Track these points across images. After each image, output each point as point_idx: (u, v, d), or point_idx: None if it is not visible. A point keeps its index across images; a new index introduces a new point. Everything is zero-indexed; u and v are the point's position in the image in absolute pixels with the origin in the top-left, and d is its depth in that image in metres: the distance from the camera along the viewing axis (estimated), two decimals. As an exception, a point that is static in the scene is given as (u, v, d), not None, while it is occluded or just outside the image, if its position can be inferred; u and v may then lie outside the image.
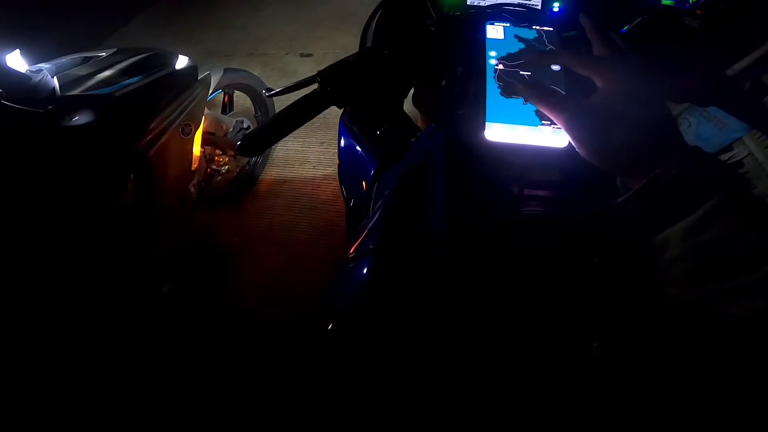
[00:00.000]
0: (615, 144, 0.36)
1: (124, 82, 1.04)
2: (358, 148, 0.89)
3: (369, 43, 0.82)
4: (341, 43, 2.45)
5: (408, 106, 0.92)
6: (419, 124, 1.12)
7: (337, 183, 1.82)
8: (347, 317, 0.56)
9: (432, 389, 0.46)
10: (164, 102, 1.05)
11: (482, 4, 0.72)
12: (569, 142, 0.43)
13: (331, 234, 1.80)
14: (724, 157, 1.66)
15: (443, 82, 0.76)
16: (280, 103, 0.73)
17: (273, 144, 0.66)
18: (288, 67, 2.41)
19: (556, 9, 0.69)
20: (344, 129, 0.93)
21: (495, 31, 0.58)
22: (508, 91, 0.49)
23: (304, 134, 1.99)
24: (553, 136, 0.46)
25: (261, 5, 2.87)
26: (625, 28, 0.67)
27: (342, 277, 0.61)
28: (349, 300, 0.58)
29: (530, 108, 0.47)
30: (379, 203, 0.69)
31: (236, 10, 2.90)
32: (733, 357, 0.32)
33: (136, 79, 1.06)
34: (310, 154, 1.98)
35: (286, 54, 2.49)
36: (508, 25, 0.58)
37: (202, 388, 1.28)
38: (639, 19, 0.67)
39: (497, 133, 0.47)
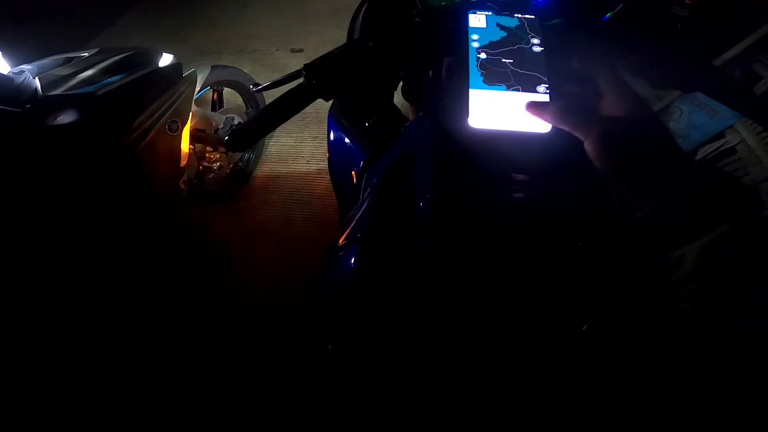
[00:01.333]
0: (635, 166, 0.37)
1: (106, 81, 1.01)
2: (347, 140, 0.90)
3: (356, 36, 0.82)
4: (332, 38, 2.39)
5: (398, 98, 0.90)
6: (410, 115, 1.12)
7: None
8: (335, 306, 0.57)
9: (421, 378, 0.47)
10: (148, 99, 1.02)
11: None
12: (552, 127, 0.45)
13: (327, 227, 1.77)
14: (716, 144, 1.68)
15: (429, 73, 0.75)
16: (271, 99, 0.73)
17: (261, 138, 0.66)
18: (278, 63, 2.37)
19: None
20: (333, 122, 0.93)
21: (477, 19, 0.58)
22: (491, 79, 0.49)
23: (297, 129, 1.96)
24: (536, 122, 0.46)
25: (248, 1, 2.82)
26: (607, 15, 0.67)
27: (331, 265, 0.62)
28: (337, 288, 0.59)
29: (513, 94, 0.48)
30: (367, 192, 0.70)
31: (224, 7, 2.86)
32: (737, 365, 0.32)
33: (118, 77, 1.03)
34: (303, 149, 1.95)
35: (276, 50, 2.45)
36: (490, 13, 0.58)
37: (201, 386, 1.27)
38: (620, 6, 0.67)
39: (481, 120, 0.47)
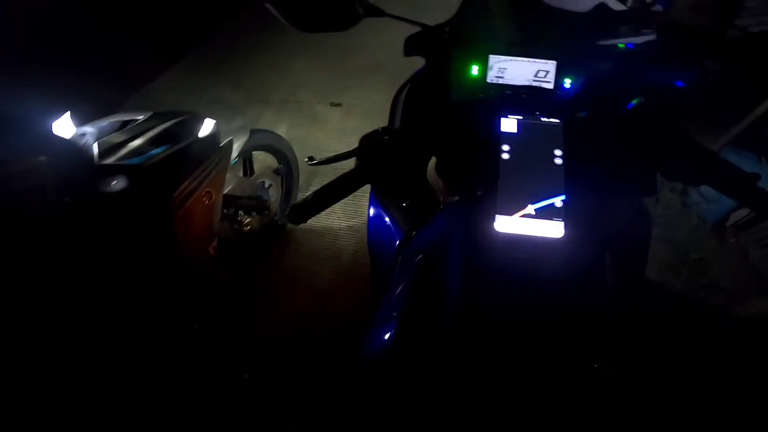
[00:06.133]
0: None
1: (152, 152, 1.06)
2: (386, 218, 0.95)
3: (397, 121, 0.86)
4: (369, 94, 2.46)
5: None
6: (441, 189, 1.13)
7: (359, 234, 1.84)
8: (372, 374, 0.63)
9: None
10: (187, 171, 1.06)
11: (501, 82, 0.74)
12: (564, 234, 0.54)
13: (354, 281, 1.79)
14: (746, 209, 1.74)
15: (463, 167, 0.82)
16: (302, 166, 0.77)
17: (318, 213, 0.70)
18: (319, 116, 2.44)
19: (567, 86, 0.72)
20: (374, 200, 0.99)
21: (508, 124, 0.64)
22: (516, 188, 0.57)
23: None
24: (551, 228, 0.54)
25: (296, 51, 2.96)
26: (632, 103, 0.72)
27: (369, 337, 0.68)
28: (375, 359, 0.65)
29: (535, 200, 0.55)
30: (403, 274, 0.75)
31: (276, 56, 3.01)
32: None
33: (163, 148, 1.07)
34: (336, 205, 1.99)
35: (318, 103, 2.54)
36: (520, 118, 0.64)
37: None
38: (637, 101, 0.72)
39: (505, 224, 0.56)
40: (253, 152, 1.61)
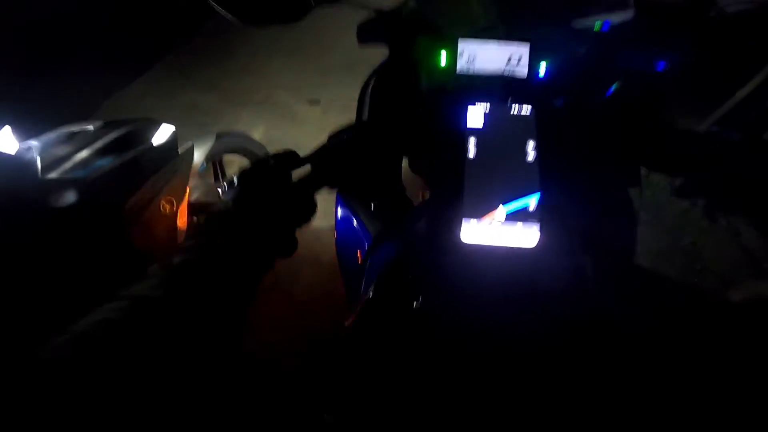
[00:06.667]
0: None
1: (98, 164, 0.97)
2: (354, 221, 0.91)
3: (365, 115, 0.81)
4: (347, 90, 2.39)
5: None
6: (418, 187, 1.08)
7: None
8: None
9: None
10: (139, 181, 0.98)
11: (472, 69, 0.68)
12: (538, 243, 0.48)
13: (337, 286, 1.74)
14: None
15: (430, 166, 0.77)
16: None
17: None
18: (297, 116, 2.35)
19: (542, 72, 0.67)
20: (341, 200, 0.95)
21: (475, 116, 0.58)
22: (483, 192, 0.50)
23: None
24: (523, 236, 0.48)
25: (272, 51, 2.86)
26: (611, 89, 0.68)
27: (341, 350, 0.65)
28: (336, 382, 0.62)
29: (503, 202, 0.49)
30: (368, 286, 0.71)
31: (252, 56, 2.91)
32: None
33: (109, 161, 0.98)
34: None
35: (296, 102, 2.43)
36: (488, 106, 0.58)
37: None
38: (615, 86, 0.67)
39: (472, 231, 0.49)
40: (225, 156, 1.53)
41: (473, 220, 0.49)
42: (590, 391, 0.47)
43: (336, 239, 0.96)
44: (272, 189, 0.54)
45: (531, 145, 0.53)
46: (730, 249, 1.74)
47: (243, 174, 0.56)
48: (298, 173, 0.65)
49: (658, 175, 1.92)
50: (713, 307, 1.55)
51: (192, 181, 1.15)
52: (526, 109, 0.57)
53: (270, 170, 0.56)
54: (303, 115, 2.34)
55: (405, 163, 0.88)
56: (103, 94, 2.65)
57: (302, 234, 0.54)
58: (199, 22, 3.16)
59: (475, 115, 0.57)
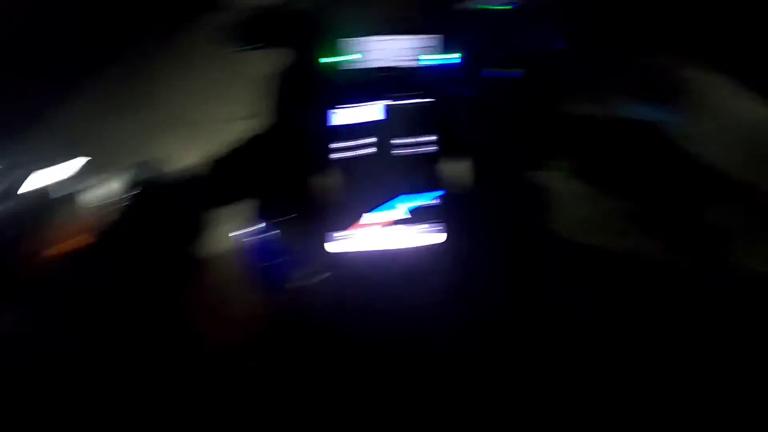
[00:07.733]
0: None
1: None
2: (262, 240, 0.95)
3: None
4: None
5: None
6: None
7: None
8: None
9: None
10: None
11: (368, 65, 0.65)
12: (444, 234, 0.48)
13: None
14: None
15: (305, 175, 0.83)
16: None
17: None
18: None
19: (441, 60, 0.73)
20: (253, 220, 1.02)
21: (341, 117, 0.60)
22: (363, 188, 0.49)
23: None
24: (426, 232, 0.49)
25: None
26: (512, 73, 0.76)
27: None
28: None
29: (400, 201, 0.49)
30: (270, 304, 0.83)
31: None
32: None
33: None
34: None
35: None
36: (352, 106, 0.58)
37: None
38: (517, 71, 0.78)
39: (338, 244, 0.51)
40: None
41: (341, 231, 0.48)
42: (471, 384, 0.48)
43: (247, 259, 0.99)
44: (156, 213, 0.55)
45: (432, 138, 0.49)
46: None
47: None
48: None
49: (561, 158, 1.93)
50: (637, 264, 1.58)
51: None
52: (426, 102, 0.54)
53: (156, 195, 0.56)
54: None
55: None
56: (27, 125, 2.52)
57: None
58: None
59: (347, 116, 0.56)
